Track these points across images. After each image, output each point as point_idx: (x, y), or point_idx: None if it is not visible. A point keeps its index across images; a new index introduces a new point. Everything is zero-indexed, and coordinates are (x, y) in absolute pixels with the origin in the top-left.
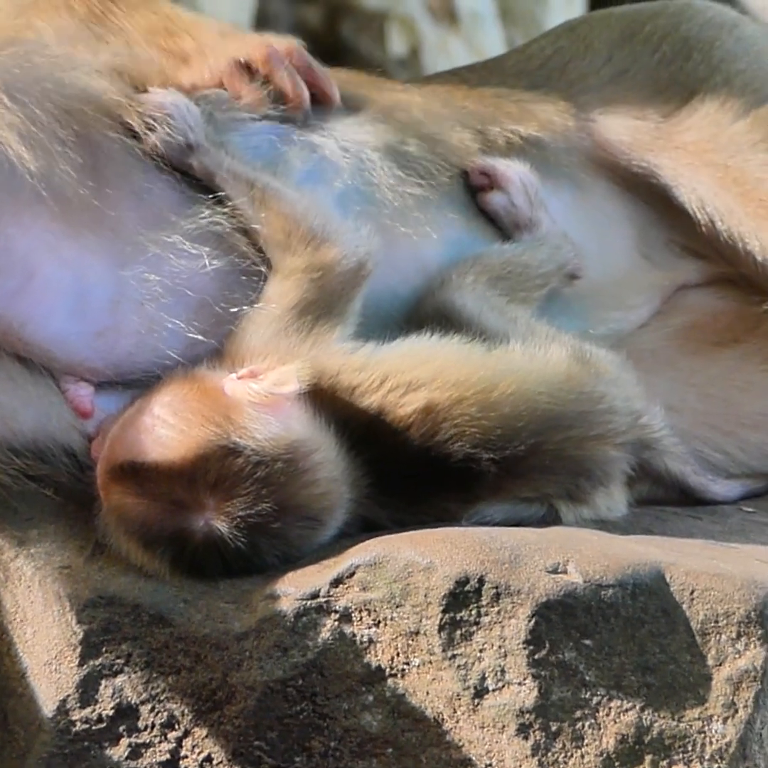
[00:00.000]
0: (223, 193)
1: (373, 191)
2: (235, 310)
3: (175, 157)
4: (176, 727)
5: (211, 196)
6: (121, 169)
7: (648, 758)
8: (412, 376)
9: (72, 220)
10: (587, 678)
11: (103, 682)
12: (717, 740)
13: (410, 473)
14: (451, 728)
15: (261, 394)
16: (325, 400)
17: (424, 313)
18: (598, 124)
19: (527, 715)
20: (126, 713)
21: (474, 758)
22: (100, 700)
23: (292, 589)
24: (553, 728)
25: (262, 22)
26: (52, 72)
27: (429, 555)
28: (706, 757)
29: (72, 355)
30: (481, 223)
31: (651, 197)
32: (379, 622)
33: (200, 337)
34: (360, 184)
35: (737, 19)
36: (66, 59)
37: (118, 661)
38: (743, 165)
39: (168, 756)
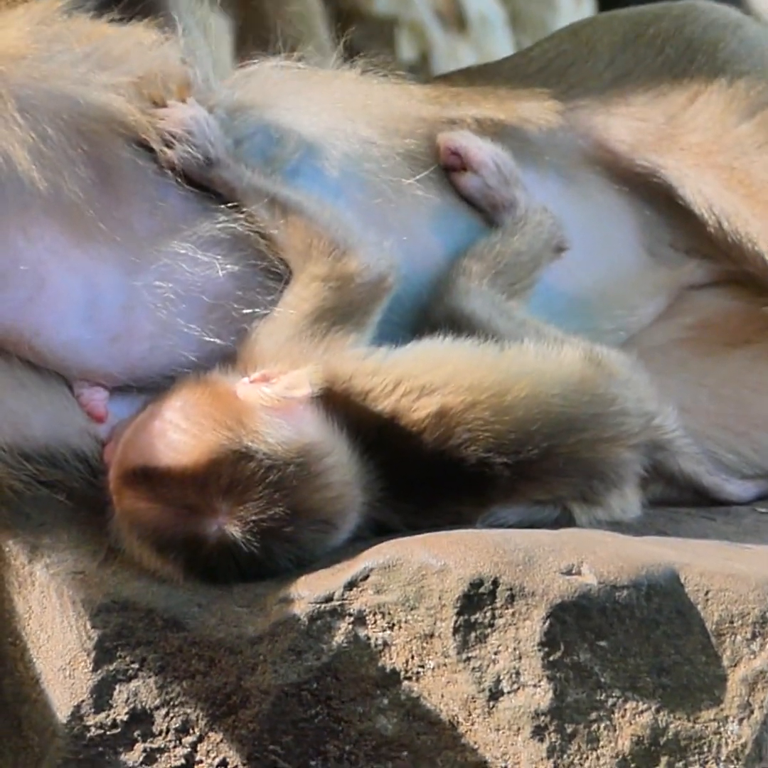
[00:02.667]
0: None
1: (364, 182)
2: (251, 311)
3: (195, 172)
4: (191, 731)
5: (227, 205)
6: (133, 186)
7: (664, 760)
8: (425, 381)
9: (81, 233)
10: (602, 679)
11: (118, 686)
12: (733, 741)
13: (424, 477)
14: (467, 731)
15: (273, 398)
16: (338, 404)
17: (435, 318)
18: (596, 125)
19: (542, 717)
20: (141, 718)
21: (490, 761)
22: (114, 705)
23: (306, 592)
24: (569, 730)
25: None
26: (65, 89)
27: (443, 557)
28: (722, 758)
29: (86, 361)
30: (460, 200)
31: (653, 197)
32: (394, 624)
33: (217, 340)
34: (352, 173)
35: (741, 20)
36: (80, 75)
37: (133, 665)
38: (749, 166)
39: (183, 761)
